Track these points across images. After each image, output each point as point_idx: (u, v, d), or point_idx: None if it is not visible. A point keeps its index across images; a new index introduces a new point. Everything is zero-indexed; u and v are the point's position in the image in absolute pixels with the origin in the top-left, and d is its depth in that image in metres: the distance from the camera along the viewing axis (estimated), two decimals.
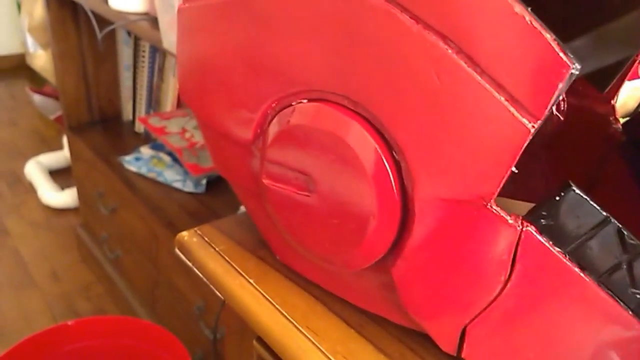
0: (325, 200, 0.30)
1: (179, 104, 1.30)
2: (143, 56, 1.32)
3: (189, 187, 1.16)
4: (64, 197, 1.76)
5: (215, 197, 1.15)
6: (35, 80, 2.61)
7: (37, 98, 2.18)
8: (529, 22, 0.21)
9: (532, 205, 0.25)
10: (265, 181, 0.33)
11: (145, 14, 0.91)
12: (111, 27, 0.90)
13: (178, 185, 1.17)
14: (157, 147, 1.27)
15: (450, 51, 0.23)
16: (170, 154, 1.23)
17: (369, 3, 0.24)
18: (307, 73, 0.28)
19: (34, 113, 2.39)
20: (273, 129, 0.31)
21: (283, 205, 0.33)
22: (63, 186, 1.81)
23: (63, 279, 1.52)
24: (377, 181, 0.27)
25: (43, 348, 0.99)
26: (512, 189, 0.26)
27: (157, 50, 1.29)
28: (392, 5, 0.24)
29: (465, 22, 0.22)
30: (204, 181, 1.16)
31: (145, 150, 1.28)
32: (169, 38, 0.79)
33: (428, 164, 0.25)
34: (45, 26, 1.31)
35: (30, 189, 1.86)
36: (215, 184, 1.16)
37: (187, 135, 1.22)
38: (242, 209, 0.98)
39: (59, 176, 1.90)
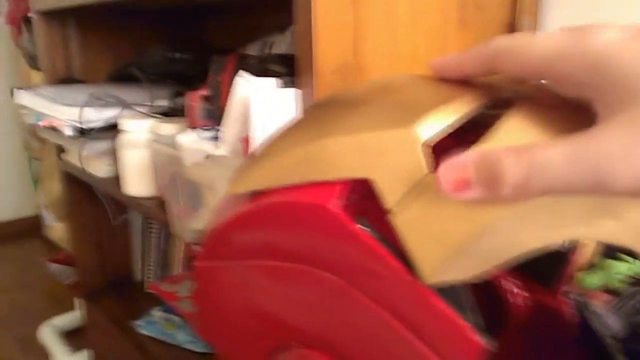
0: None
1: (187, 266, 1.38)
2: (151, 225, 1.42)
3: (200, 347, 1.20)
4: None
5: None
6: (49, 244, 2.70)
7: (53, 267, 2.24)
8: (445, 310, 0.29)
9: None
10: None
11: (157, 198, 1.01)
12: (124, 216, 1.00)
13: (190, 346, 1.21)
14: (168, 308, 1.33)
15: (398, 323, 0.31)
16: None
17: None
18: (294, 327, 0.36)
19: (47, 275, 2.45)
20: None
21: None
22: (77, 347, 1.83)
23: None
24: None
25: None
26: None
27: None
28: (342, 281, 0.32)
29: (404, 308, 0.30)
30: None
31: (157, 313, 1.33)
32: (177, 226, 0.89)
33: None
34: (63, 204, 1.43)
35: (44, 354, 1.88)
36: None
37: None
38: None
39: (73, 337, 1.92)
